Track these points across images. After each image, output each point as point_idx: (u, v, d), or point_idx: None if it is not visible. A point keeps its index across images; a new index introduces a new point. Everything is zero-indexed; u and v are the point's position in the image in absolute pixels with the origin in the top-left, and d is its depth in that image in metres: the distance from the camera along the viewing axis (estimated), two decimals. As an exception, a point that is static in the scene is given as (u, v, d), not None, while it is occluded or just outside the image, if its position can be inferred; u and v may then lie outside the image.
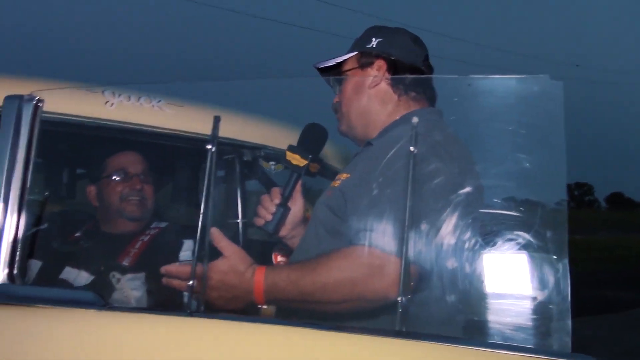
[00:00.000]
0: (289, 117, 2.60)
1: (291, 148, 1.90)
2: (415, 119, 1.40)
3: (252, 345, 1.37)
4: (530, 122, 1.35)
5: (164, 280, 1.60)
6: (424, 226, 1.41)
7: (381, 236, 1.48)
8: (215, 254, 1.60)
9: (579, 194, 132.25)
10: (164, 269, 1.61)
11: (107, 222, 2.41)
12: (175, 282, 1.58)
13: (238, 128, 2.55)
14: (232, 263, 1.58)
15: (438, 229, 1.42)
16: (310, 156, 1.88)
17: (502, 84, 1.36)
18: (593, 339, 7.64)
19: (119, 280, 2.17)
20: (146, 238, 2.38)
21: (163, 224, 2.47)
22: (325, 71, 1.96)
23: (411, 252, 1.38)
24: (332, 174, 1.97)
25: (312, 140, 1.93)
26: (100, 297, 1.48)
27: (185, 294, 1.53)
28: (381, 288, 1.44)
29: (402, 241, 1.36)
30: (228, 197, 2.75)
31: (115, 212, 2.38)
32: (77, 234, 2.41)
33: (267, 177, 2.76)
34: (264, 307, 1.58)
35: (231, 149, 2.60)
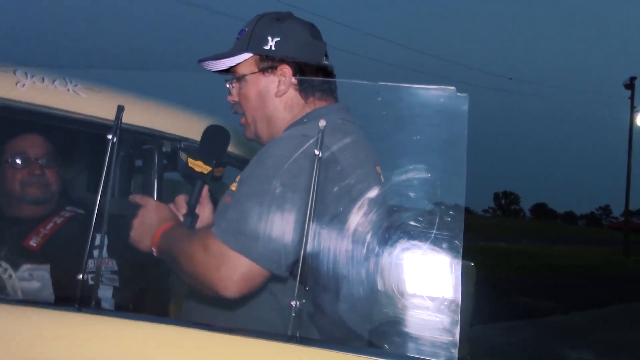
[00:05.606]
0: (213, 110, 2.55)
1: (193, 155, 1.82)
2: (322, 122, 1.38)
3: (138, 342, 1.34)
4: (436, 132, 1.36)
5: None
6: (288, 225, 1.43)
7: (230, 230, 1.47)
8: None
9: (506, 203, 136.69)
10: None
11: (10, 207, 2.31)
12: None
13: (159, 118, 2.49)
14: (150, 208, 1.76)
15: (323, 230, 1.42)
16: (214, 161, 1.81)
17: (410, 93, 1.36)
18: (509, 345, 7.90)
19: (5, 269, 2.07)
20: (59, 220, 2.30)
21: (80, 210, 2.38)
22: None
23: (257, 253, 1.43)
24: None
25: (214, 144, 1.85)
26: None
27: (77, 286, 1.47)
28: (213, 279, 1.45)
29: (254, 241, 1.43)
30: (145, 187, 2.69)
31: (17, 198, 2.28)
32: None
33: (187, 170, 2.71)
34: (154, 250, 1.69)
35: (150, 139, 2.54)
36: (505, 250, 23.77)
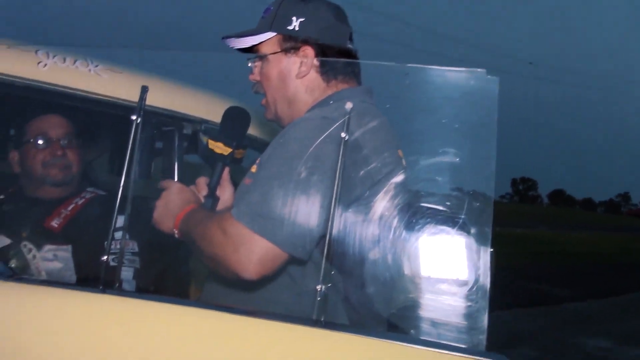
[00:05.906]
0: (235, 92, 2.54)
1: (213, 136, 1.81)
2: (349, 104, 1.36)
3: (160, 324, 1.34)
4: (464, 116, 1.33)
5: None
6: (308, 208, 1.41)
7: (250, 212, 1.46)
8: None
9: (524, 189, 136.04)
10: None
11: (32, 188, 2.32)
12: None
13: (179, 99, 2.49)
14: (173, 191, 1.76)
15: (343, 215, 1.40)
16: (234, 143, 1.80)
17: (439, 76, 1.33)
18: (525, 331, 7.88)
19: (30, 250, 2.08)
20: (80, 201, 2.30)
21: (101, 192, 2.39)
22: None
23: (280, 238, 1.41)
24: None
25: (234, 125, 1.84)
26: (7, 267, 1.41)
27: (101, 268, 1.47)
28: (232, 260, 1.45)
29: (274, 223, 1.41)
30: (165, 169, 2.69)
31: (38, 179, 2.28)
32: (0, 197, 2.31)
33: (208, 152, 2.70)
34: (176, 232, 1.70)
35: (171, 121, 2.53)
36: (522, 236, 23.64)
